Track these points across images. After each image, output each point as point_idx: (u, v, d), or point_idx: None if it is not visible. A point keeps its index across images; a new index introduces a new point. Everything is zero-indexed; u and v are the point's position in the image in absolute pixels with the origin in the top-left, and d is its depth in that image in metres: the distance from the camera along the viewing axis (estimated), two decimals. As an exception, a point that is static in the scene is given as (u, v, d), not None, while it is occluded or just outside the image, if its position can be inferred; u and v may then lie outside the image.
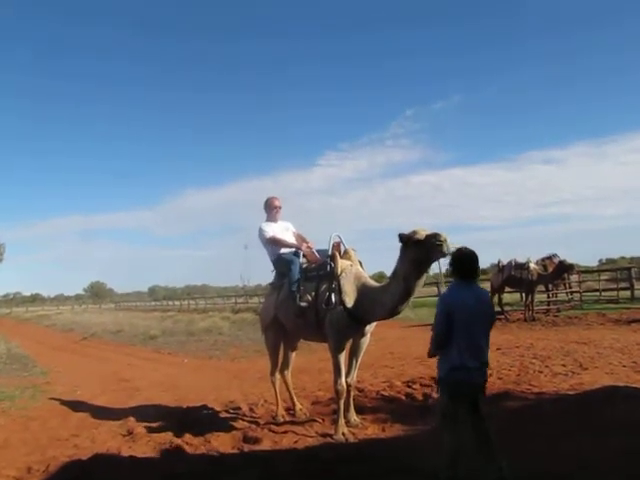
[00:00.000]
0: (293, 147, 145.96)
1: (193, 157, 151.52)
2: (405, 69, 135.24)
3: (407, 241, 4.81)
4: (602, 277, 23.25)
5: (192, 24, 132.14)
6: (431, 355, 3.97)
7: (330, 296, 5.54)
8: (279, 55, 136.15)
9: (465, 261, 3.87)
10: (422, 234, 4.68)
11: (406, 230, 4.84)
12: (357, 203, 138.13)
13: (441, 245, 4.44)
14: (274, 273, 6.57)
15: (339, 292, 5.53)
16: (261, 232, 6.42)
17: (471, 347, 3.74)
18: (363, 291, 5.55)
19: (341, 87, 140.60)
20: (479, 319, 3.79)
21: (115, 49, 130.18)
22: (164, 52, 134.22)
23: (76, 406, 8.01)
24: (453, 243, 4.40)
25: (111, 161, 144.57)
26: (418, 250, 4.73)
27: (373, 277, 5.93)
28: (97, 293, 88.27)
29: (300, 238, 6.54)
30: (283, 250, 6.36)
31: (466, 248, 3.96)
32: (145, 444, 5.68)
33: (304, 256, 6.27)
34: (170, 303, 54.61)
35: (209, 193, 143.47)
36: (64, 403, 8.31)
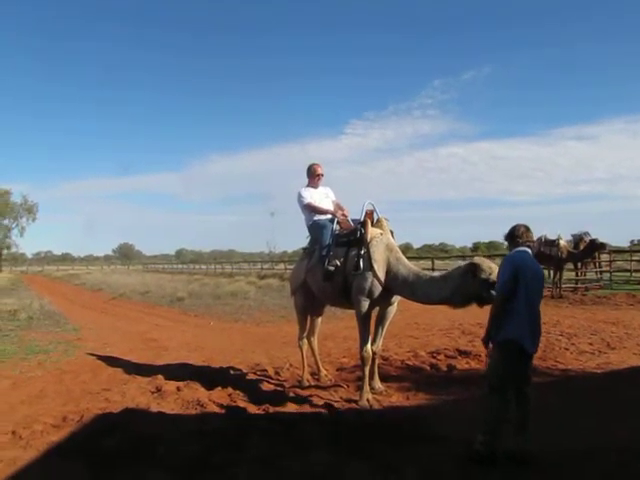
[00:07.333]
0: (319, 115, 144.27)
1: (219, 123, 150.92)
2: (434, 38, 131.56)
3: (474, 272, 4.68)
4: (634, 258, 22.70)
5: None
6: (494, 318, 3.92)
7: (359, 261, 5.57)
8: (308, 22, 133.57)
9: (518, 228, 4.03)
10: (489, 279, 4.53)
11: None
12: (384, 173, 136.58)
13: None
14: (309, 239, 6.63)
15: (368, 259, 5.54)
16: (299, 197, 6.46)
17: (530, 315, 3.85)
18: (397, 267, 5.53)
19: (368, 55, 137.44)
20: (536, 288, 3.92)
21: (144, 15, 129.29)
22: (192, 18, 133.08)
23: (106, 362, 8.25)
24: None
25: (138, 125, 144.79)
26: (473, 286, 4.69)
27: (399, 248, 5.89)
28: (126, 254, 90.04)
29: (337, 206, 6.56)
30: (319, 216, 6.39)
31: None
32: (173, 401, 5.83)
33: (338, 223, 6.28)
34: (197, 267, 55.42)
35: (235, 159, 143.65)
36: (95, 359, 8.56)
